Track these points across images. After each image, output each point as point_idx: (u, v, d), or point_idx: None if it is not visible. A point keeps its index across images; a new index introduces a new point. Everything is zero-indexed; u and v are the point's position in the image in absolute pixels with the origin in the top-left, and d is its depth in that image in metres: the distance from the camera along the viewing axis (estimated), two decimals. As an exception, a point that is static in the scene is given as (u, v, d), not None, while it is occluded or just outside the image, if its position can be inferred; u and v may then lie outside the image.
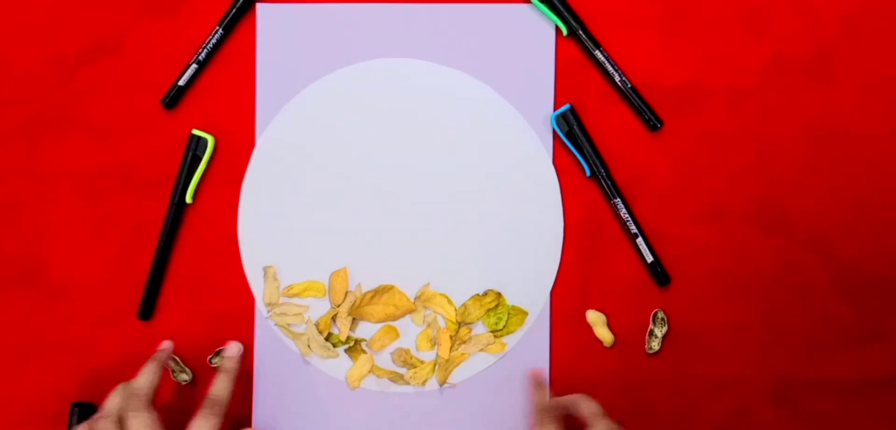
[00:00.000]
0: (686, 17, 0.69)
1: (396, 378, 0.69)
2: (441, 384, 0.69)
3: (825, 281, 0.68)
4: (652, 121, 0.68)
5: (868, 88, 0.68)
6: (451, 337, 0.68)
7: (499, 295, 0.68)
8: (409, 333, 0.69)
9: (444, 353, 0.68)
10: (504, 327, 0.68)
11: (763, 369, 0.68)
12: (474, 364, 0.69)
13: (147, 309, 0.69)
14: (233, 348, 0.67)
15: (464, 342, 0.68)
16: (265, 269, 0.69)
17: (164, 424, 0.60)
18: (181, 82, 0.69)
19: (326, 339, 0.69)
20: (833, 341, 0.68)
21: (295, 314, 0.69)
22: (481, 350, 0.68)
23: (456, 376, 0.69)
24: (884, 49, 0.68)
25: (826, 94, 0.68)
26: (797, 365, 0.68)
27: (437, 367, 0.69)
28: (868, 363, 0.68)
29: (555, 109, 0.68)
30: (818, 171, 0.68)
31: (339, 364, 0.69)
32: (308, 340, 0.69)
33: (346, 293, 0.69)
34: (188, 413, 0.69)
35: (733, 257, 0.68)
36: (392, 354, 0.69)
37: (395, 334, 0.69)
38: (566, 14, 0.68)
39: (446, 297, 0.68)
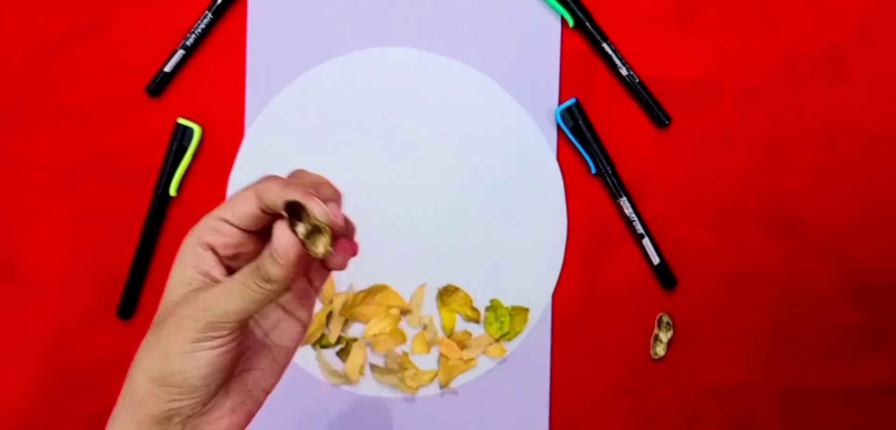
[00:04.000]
0: (696, 11, 0.67)
1: (388, 377, 0.66)
2: (443, 387, 0.66)
3: (835, 286, 0.67)
4: (660, 117, 0.66)
5: (881, 87, 0.67)
6: (456, 341, 0.66)
7: (495, 309, 0.66)
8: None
9: (453, 354, 0.66)
10: (508, 330, 0.66)
11: (771, 376, 0.67)
12: (475, 369, 0.67)
13: (127, 308, 0.67)
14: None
15: (465, 346, 0.66)
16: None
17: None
18: (167, 69, 0.67)
19: (318, 341, 0.66)
20: (843, 347, 0.67)
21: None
22: (482, 353, 0.66)
23: (456, 380, 0.67)
24: (898, 48, 0.68)
25: (838, 93, 0.67)
26: (806, 372, 0.67)
27: (438, 371, 0.67)
28: (879, 371, 0.67)
29: (559, 104, 0.67)
30: (829, 172, 0.67)
31: (329, 368, 0.67)
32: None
33: (334, 290, 0.66)
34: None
35: (741, 260, 0.67)
36: (386, 356, 0.66)
37: (402, 337, 0.67)
38: (572, 5, 0.66)
39: (469, 296, 0.67)
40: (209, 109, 0.67)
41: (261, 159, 0.67)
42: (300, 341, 0.46)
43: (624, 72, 0.66)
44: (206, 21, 0.66)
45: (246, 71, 0.67)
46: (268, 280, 0.40)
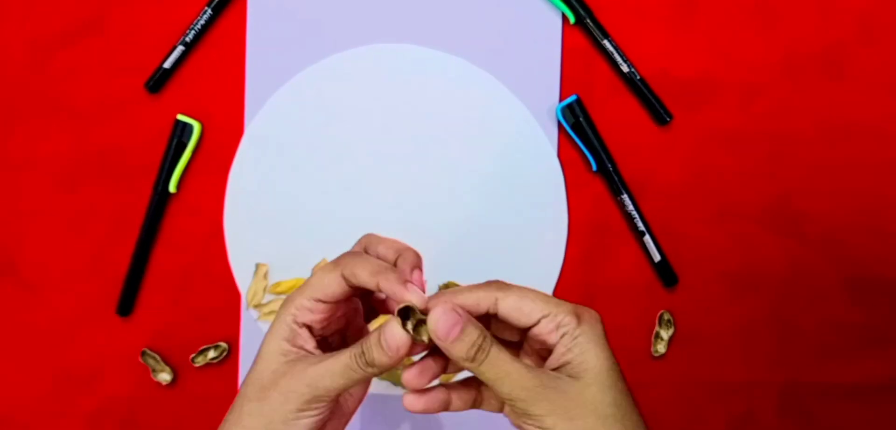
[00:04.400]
0: (697, 7, 0.67)
1: (388, 375, 0.66)
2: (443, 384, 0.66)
3: (836, 283, 0.67)
4: (661, 115, 0.66)
5: (882, 85, 0.67)
6: None
7: None
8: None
9: None
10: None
11: (772, 373, 0.67)
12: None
13: (126, 305, 0.67)
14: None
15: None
16: (257, 266, 0.66)
17: None
18: (166, 65, 0.67)
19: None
20: (844, 345, 0.67)
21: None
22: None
23: (456, 378, 0.66)
24: (899, 45, 0.67)
25: (839, 90, 0.67)
26: (807, 370, 0.67)
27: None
28: (880, 369, 0.67)
29: (560, 101, 0.67)
30: (831, 170, 0.67)
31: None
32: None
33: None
34: (169, 418, 0.67)
35: (742, 258, 0.67)
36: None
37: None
38: (573, 2, 0.66)
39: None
40: (209, 105, 0.67)
41: (261, 156, 0.67)
42: (365, 395, 0.51)
43: (625, 69, 0.66)
44: (205, 17, 0.66)
45: (246, 67, 0.67)
46: (372, 365, 0.45)
